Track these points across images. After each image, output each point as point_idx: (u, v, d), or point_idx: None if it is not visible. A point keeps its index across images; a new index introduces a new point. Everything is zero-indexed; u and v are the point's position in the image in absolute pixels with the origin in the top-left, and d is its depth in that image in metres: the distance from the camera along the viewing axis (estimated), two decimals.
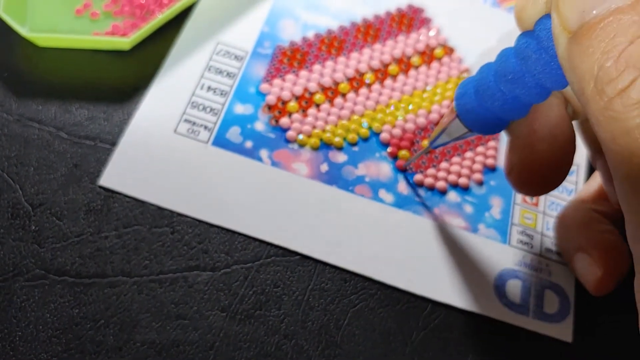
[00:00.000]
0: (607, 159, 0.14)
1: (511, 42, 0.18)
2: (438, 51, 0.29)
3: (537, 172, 0.20)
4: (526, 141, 0.20)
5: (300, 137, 0.26)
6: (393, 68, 0.28)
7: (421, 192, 0.26)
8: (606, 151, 0.14)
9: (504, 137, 0.28)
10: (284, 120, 0.26)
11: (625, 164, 0.13)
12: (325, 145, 0.26)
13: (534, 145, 0.20)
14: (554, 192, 0.27)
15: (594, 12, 0.14)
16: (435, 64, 0.29)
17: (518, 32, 0.18)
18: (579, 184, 0.27)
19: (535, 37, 0.16)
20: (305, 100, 0.27)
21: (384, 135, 0.27)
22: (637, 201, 0.14)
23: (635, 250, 0.14)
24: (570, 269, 0.25)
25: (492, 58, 0.19)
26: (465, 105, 0.20)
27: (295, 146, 0.26)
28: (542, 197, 0.27)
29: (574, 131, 0.20)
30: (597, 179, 0.25)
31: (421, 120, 0.27)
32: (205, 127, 0.26)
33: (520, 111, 0.18)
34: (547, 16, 0.16)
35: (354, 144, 0.27)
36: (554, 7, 0.15)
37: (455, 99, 0.20)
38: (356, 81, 0.28)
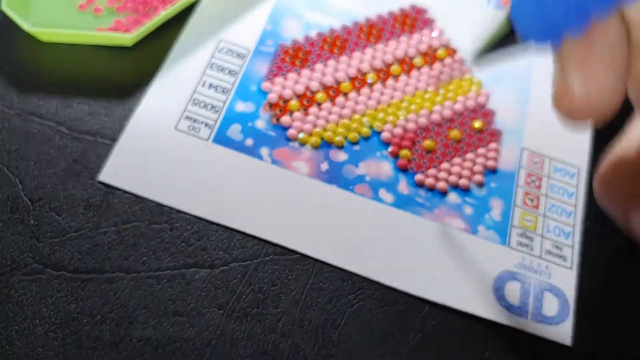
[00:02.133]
0: None
1: None
2: (440, 52, 0.29)
3: (593, 95, 0.18)
4: (582, 60, 0.18)
5: (301, 135, 0.26)
6: (395, 68, 0.28)
7: (421, 192, 0.26)
8: None
9: (504, 139, 0.28)
10: (285, 119, 0.26)
11: None
12: (326, 144, 0.26)
13: (591, 64, 0.18)
14: (555, 195, 0.27)
15: None
16: (437, 65, 0.29)
17: None
18: (579, 187, 0.27)
19: None
20: (307, 99, 0.27)
21: (385, 135, 0.27)
22: None
23: None
24: (626, 228, 0.22)
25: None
26: (520, 6, 0.18)
27: (296, 144, 0.26)
28: (542, 200, 0.27)
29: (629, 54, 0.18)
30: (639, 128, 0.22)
31: (422, 121, 0.27)
32: (206, 125, 0.26)
33: (581, 20, 0.17)
34: None
35: (355, 143, 0.26)
36: None
37: None
38: (358, 81, 0.28)
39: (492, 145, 0.27)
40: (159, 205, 0.24)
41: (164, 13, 0.27)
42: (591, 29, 0.18)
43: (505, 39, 0.19)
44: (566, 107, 0.19)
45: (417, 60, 0.29)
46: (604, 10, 0.16)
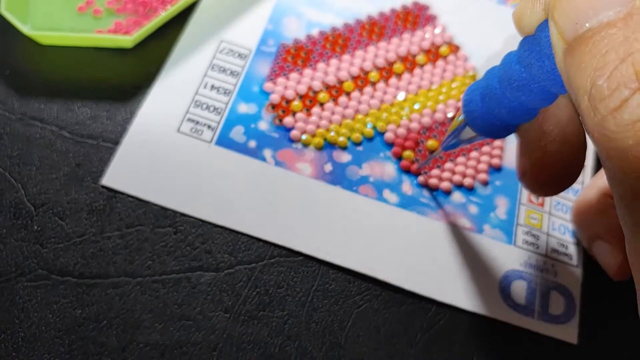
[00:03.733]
0: (605, 174, 0.14)
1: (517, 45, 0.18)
2: (443, 49, 0.29)
3: (551, 173, 0.20)
4: (537, 144, 0.20)
5: (304, 136, 0.26)
6: (398, 66, 0.28)
7: (426, 192, 0.26)
8: (603, 165, 0.14)
9: (510, 136, 0.27)
10: (288, 120, 0.26)
11: (620, 183, 0.13)
12: (329, 145, 0.26)
13: (546, 146, 0.20)
14: (561, 193, 0.27)
15: (587, 24, 0.13)
16: (440, 63, 0.29)
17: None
18: (584, 183, 0.27)
19: (537, 43, 0.16)
20: (310, 99, 0.27)
21: (389, 135, 0.27)
22: (633, 221, 0.13)
23: (635, 266, 0.14)
24: (591, 254, 0.25)
25: (499, 61, 0.19)
26: (473, 112, 0.19)
27: (299, 146, 0.26)
28: (548, 197, 0.26)
29: (584, 129, 0.20)
30: None
31: (426, 120, 0.27)
32: (209, 127, 0.26)
33: (528, 115, 0.18)
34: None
35: (358, 144, 0.26)
36: (550, 15, 0.15)
37: (462, 105, 0.20)
38: (361, 80, 0.28)
39: (497, 143, 0.27)
40: (163, 209, 0.24)
41: (164, 14, 0.27)
42: (543, 116, 0.20)
43: (465, 134, 0.21)
44: (530, 183, 0.21)
45: (420, 58, 0.29)
46: (548, 103, 0.18)
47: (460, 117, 0.21)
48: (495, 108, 0.18)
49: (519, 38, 0.18)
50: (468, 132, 0.20)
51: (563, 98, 0.20)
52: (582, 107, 0.14)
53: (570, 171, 0.20)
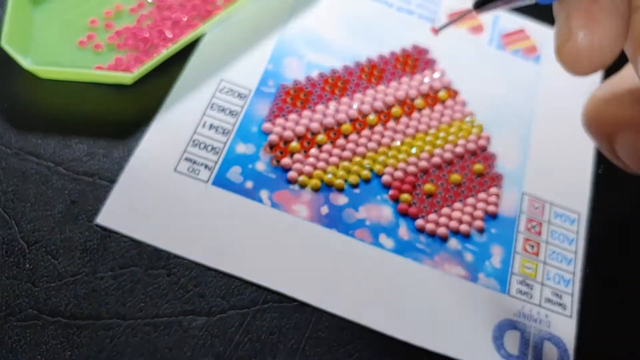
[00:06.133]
0: None
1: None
2: (442, 94, 0.29)
3: (595, 44, 0.19)
4: (586, 9, 0.18)
5: (301, 178, 0.26)
6: (396, 110, 0.28)
7: (422, 238, 0.26)
8: None
9: (505, 184, 0.27)
10: (286, 161, 0.26)
11: None
12: (326, 187, 0.26)
13: (595, 13, 0.18)
14: (556, 242, 0.27)
15: None
16: (438, 107, 0.29)
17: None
18: (579, 233, 0.27)
19: None
20: (308, 141, 0.27)
21: (386, 178, 0.27)
22: None
23: None
24: (611, 154, 0.24)
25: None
26: None
27: (296, 187, 0.26)
28: (542, 246, 0.26)
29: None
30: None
31: (423, 164, 0.27)
32: (206, 166, 0.26)
33: None
34: None
35: (355, 186, 0.26)
36: None
37: None
38: (359, 122, 0.28)
39: (493, 189, 0.27)
40: (157, 250, 0.24)
41: (165, 52, 0.27)
42: None
43: None
44: (568, 55, 0.19)
45: (418, 102, 0.29)
46: None
47: None
48: None
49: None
50: None
51: None
52: None
53: (615, 43, 0.19)
